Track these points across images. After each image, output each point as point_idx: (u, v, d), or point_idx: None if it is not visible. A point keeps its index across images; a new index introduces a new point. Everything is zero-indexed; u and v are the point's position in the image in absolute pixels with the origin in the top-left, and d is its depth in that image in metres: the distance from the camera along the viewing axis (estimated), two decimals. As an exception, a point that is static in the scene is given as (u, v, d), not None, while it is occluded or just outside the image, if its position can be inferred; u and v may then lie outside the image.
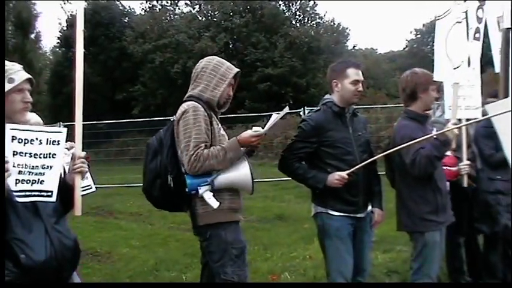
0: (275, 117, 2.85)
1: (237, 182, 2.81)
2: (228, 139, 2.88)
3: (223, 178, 2.75)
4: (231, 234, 2.79)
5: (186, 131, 2.74)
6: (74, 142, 2.30)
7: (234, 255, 2.79)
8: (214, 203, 2.70)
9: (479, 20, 3.18)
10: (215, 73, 2.89)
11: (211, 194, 2.72)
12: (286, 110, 2.92)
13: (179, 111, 2.82)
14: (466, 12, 3.07)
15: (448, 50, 2.98)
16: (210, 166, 2.71)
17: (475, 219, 4.02)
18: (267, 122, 2.89)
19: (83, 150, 2.28)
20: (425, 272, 3.26)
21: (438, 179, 3.25)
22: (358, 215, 3.23)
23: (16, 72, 2.14)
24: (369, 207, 3.32)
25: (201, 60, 2.98)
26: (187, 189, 2.72)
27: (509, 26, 3.07)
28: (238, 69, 2.99)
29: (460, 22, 3.03)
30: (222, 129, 2.92)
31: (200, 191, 2.71)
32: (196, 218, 2.82)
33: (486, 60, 3.55)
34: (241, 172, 2.79)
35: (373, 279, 4.08)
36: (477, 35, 3.18)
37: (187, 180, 2.72)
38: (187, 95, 2.92)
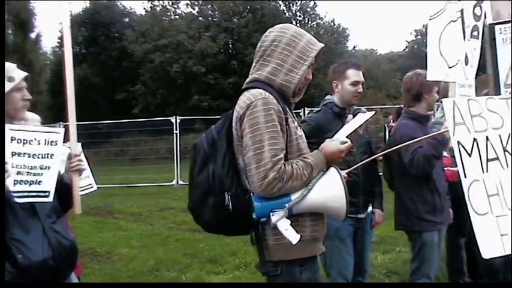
0: (355, 122, 2.34)
1: (325, 207, 2.05)
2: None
3: (307, 201, 1.98)
4: (307, 273, 2.06)
5: (256, 133, 1.94)
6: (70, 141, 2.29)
7: None
8: (294, 237, 1.93)
9: (476, 17, 3.16)
10: (291, 49, 2.07)
11: (289, 222, 1.95)
12: (368, 115, 2.39)
13: (242, 104, 2.01)
14: (461, 10, 3.06)
15: (442, 49, 2.97)
16: (292, 189, 1.96)
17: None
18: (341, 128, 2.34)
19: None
20: (424, 273, 3.26)
21: (437, 179, 3.26)
22: (359, 216, 3.23)
23: (14, 70, 2.14)
24: (370, 208, 3.33)
25: (270, 30, 2.15)
26: (254, 215, 1.96)
27: (492, 22, 3.10)
28: (322, 44, 2.18)
29: (454, 21, 3.02)
30: (299, 127, 2.15)
31: (273, 219, 1.93)
32: (265, 252, 2.04)
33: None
34: (331, 194, 2.02)
35: (372, 279, 4.08)
36: (475, 33, 3.18)
37: (256, 203, 1.94)
38: (250, 79, 2.13)
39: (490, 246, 1.87)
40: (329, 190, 2.01)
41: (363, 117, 2.38)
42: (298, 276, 2.04)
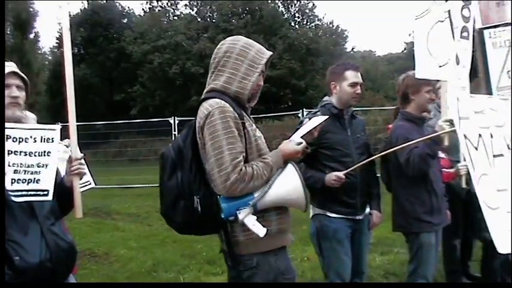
0: (310, 124, 2.45)
1: (285, 200, 2.21)
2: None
3: (269, 197, 2.15)
4: (282, 261, 2.25)
5: (215, 140, 2.10)
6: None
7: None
8: (261, 231, 2.11)
9: (465, 19, 3.19)
10: (243, 58, 2.25)
11: (255, 218, 2.13)
12: (321, 118, 2.52)
13: (201, 114, 2.18)
14: (448, 11, 3.08)
15: (431, 48, 2.99)
16: (253, 188, 2.12)
17: (478, 228, 3.96)
18: (298, 129, 2.47)
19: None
20: (421, 274, 3.27)
21: (434, 180, 3.27)
22: (356, 217, 3.24)
23: None
24: (367, 209, 3.33)
25: (222, 42, 2.33)
26: (223, 215, 2.12)
27: (482, 26, 3.11)
28: (270, 53, 2.35)
29: (442, 21, 3.05)
30: (257, 129, 2.31)
31: (240, 216, 2.10)
32: (236, 247, 2.21)
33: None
34: (290, 187, 2.18)
35: (370, 281, 4.10)
36: (465, 34, 3.20)
37: (223, 204, 2.11)
38: (207, 89, 2.28)
39: (505, 241, 1.85)
40: (287, 184, 2.18)
41: (317, 120, 2.48)
42: (274, 265, 2.21)
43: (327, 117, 2.55)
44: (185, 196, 2.17)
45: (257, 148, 2.22)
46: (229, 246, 2.22)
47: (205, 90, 2.30)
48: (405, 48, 40.40)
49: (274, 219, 2.22)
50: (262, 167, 2.14)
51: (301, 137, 2.33)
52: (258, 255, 2.19)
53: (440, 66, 3.03)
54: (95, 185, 3.62)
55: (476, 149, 1.93)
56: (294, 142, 2.30)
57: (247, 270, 2.20)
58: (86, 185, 3.47)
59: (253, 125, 2.29)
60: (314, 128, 2.40)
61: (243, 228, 2.15)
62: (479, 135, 1.96)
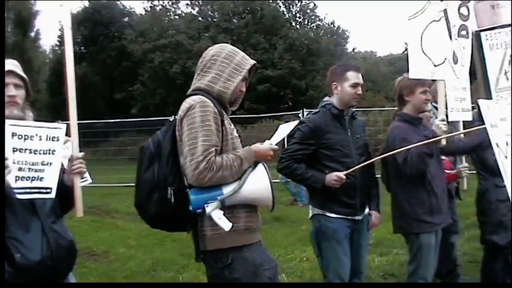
0: (283, 130, 2.49)
1: (253, 199, 2.28)
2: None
3: (238, 193, 2.23)
4: (258, 255, 2.30)
5: (192, 131, 2.19)
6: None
7: (268, 278, 2.29)
8: (226, 225, 2.16)
9: (463, 17, 3.18)
10: (229, 62, 2.37)
11: (222, 212, 2.19)
12: (292, 124, 2.58)
13: (183, 108, 2.27)
14: (444, 10, 3.08)
15: (425, 48, 2.99)
16: (222, 178, 2.18)
17: (482, 230, 3.95)
18: (274, 133, 2.50)
19: (80, 150, 2.25)
20: (421, 275, 3.27)
21: (433, 180, 3.26)
22: (356, 218, 3.24)
23: None
24: (366, 210, 3.33)
25: (210, 48, 2.47)
26: (190, 207, 2.19)
27: (478, 29, 3.12)
28: (254, 61, 2.48)
29: (437, 21, 3.05)
30: (235, 130, 2.40)
31: (208, 210, 2.17)
32: (203, 242, 2.29)
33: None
34: (259, 186, 2.26)
35: (369, 282, 4.09)
36: (463, 32, 3.19)
37: (191, 196, 2.18)
38: (192, 87, 2.40)
39: None
40: (256, 183, 2.25)
41: (287, 127, 2.53)
42: (251, 259, 2.26)
43: (296, 122, 2.61)
44: (160, 188, 2.23)
45: (233, 146, 2.31)
46: (197, 240, 2.32)
47: (190, 90, 2.40)
48: (406, 49, 40.38)
49: (243, 216, 2.28)
50: (232, 158, 2.21)
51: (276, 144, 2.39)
52: (232, 252, 2.24)
53: (435, 66, 3.03)
54: (92, 181, 3.60)
55: (506, 157, 1.93)
56: (268, 143, 2.37)
57: (224, 267, 2.26)
58: (83, 181, 3.46)
59: (232, 124, 2.38)
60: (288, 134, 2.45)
61: (211, 223, 2.21)
62: (506, 143, 1.96)
